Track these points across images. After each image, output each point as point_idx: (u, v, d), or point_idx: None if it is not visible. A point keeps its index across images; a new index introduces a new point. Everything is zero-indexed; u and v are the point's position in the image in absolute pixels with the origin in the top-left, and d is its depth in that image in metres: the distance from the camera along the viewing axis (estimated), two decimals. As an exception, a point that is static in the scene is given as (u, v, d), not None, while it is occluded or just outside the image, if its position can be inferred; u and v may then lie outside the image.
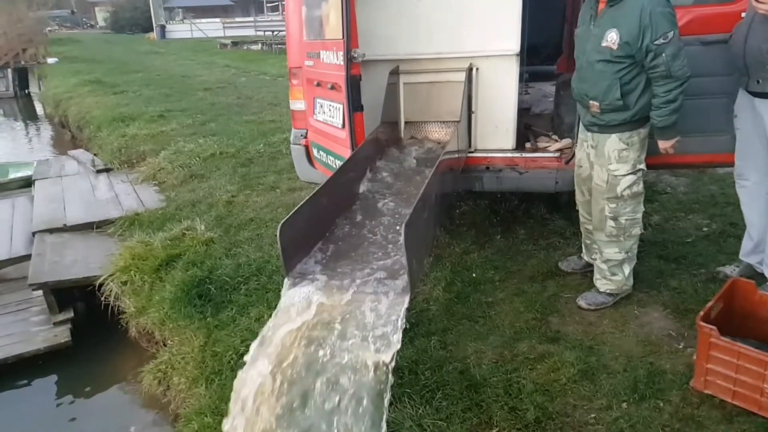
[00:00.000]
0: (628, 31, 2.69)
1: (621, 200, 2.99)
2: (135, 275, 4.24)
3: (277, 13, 30.58)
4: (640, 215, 3.06)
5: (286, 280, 2.26)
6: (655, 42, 2.65)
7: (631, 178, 2.95)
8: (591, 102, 2.93)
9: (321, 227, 2.60)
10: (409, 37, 3.52)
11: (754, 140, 3.02)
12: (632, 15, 2.68)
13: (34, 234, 5.16)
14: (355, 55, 3.10)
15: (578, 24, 3.06)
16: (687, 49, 2.75)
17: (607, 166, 2.97)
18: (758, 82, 2.87)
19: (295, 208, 2.27)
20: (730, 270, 3.33)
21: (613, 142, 2.93)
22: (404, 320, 1.99)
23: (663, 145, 2.91)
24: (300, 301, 2.15)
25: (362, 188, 3.07)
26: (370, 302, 2.08)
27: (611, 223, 3.04)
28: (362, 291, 2.16)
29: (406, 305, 2.03)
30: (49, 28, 34.61)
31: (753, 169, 3.09)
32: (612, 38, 2.74)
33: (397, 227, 2.61)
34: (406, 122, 3.76)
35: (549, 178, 3.54)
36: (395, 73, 3.59)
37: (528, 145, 3.76)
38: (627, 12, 2.71)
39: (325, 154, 3.79)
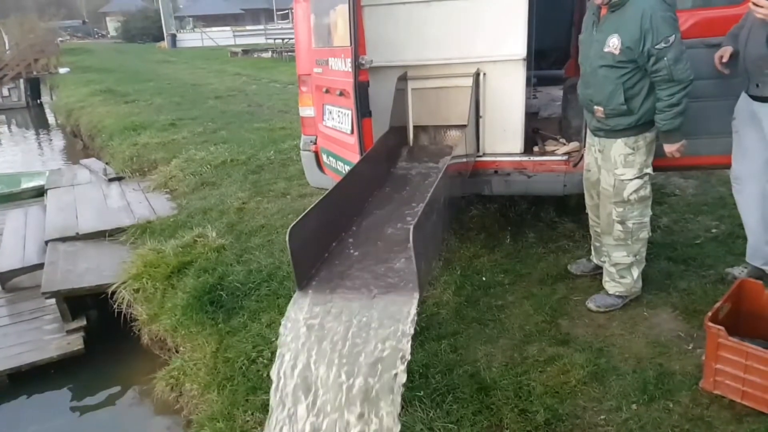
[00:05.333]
0: (630, 36, 2.70)
1: (628, 204, 2.99)
2: (147, 282, 4.28)
3: (287, 21, 30.76)
4: (647, 219, 3.07)
5: (296, 287, 2.27)
6: (656, 46, 2.66)
7: (638, 182, 2.96)
8: (596, 107, 2.94)
9: (331, 231, 2.62)
10: (417, 44, 3.55)
11: (751, 143, 3.01)
12: (633, 20, 2.69)
13: (46, 243, 5.22)
14: (363, 62, 3.14)
15: (582, 30, 3.08)
16: (692, 52, 2.76)
17: (613, 170, 2.98)
18: (758, 86, 2.88)
19: (305, 212, 2.29)
20: (739, 271, 3.32)
21: (619, 146, 2.94)
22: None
23: (669, 148, 2.91)
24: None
25: (372, 191, 3.10)
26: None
27: (619, 227, 3.05)
28: (371, 294, 2.18)
29: (414, 308, 2.05)
30: (60, 38, 35.13)
31: (749, 172, 3.08)
32: (614, 43, 2.76)
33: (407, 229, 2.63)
34: (414, 127, 3.78)
35: (557, 181, 3.55)
36: (403, 78, 3.61)
37: (536, 148, 3.77)
38: (628, 17, 2.72)
39: (334, 160, 3.83)
